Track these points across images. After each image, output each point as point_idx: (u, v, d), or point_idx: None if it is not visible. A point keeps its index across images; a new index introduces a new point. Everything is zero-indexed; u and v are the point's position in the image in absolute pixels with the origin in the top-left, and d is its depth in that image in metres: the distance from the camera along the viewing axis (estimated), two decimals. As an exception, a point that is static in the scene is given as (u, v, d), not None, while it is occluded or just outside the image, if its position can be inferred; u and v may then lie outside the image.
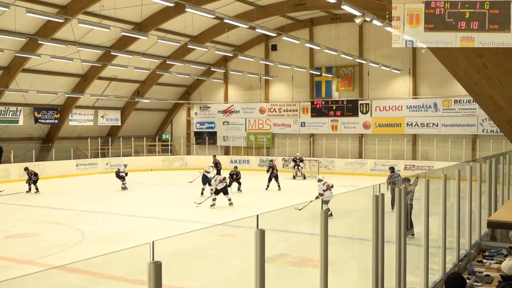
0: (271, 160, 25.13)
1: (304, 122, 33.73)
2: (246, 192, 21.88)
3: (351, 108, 31.97)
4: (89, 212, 17.63)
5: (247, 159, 33.60)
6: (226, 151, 36.03)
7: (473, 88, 7.03)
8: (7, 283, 3.17)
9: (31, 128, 29.90)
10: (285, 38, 24.45)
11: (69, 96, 30.03)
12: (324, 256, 4.57)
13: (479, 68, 5.86)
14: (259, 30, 23.35)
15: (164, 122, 39.15)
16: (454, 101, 28.90)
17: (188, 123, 38.66)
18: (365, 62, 28.73)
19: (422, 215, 7.01)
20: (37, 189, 22.17)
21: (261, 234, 3.74)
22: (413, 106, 30.25)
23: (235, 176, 21.93)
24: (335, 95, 33.00)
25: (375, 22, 18.83)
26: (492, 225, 6.84)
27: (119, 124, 35.02)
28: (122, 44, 27.08)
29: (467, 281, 6.90)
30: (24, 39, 23.18)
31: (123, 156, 33.39)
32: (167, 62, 30.20)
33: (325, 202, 15.08)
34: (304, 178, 27.88)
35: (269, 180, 23.18)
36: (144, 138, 36.10)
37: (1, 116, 27.76)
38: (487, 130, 27.81)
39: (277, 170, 23.58)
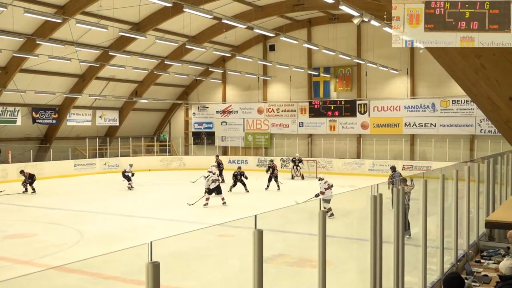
0: (271, 160, 25.16)
1: (302, 122, 33.74)
2: (242, 192, 21.85)
3: (349, 108, 31.99)
4: (87, 212, 17.61)
5: (245, 159, 33.59)
6: (224, 151, 36.01)
7: (471, 89, 7.03)
8: (5, 283, 3.16)
9: (29, 128, 29.85)
10: (283, 38, 24.48)
11: (67, 96, 29.99)
12: (322, 256, 4.57)
13: (477, 68, 5.87)
14: (257, 30, 23.39)
15: (162, 122, 39.13)
16: (452, 102, 28.94)
17: (186, 123, 38.65)
18: (363, 62, 28.75)
19: (420, 215, 7.02)
20: (33, 189, 22.14)
21: (259, 234, 3.74)
22: (411, 106, 30.29)
23: (239, 177, 21.90)
24: (333, 95, 33.01)
25: (373, 22, 18.83)
26: (490, 225, 6.85)
27: (117, 124, 34.99)
28: (120, 44, 27.05)
29: (466, 281, 6.91)
30: (22, 39, 23.15)
31: (121, 156, 33.37)
32: (165, 62, 30.19)
33: (327, 201, 15.16)
34: (303, 178, 27.90)
35: (269, 180, 23.28)
36: (142, 138, 36.06)
37: (-1, 116, 27.78)
38: (485, 130, 27.86)
39: (277, 171, 23.72)
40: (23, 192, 22.09)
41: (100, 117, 33.83)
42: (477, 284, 7.11)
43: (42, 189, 22.91)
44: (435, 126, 29.55)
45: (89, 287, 9.12)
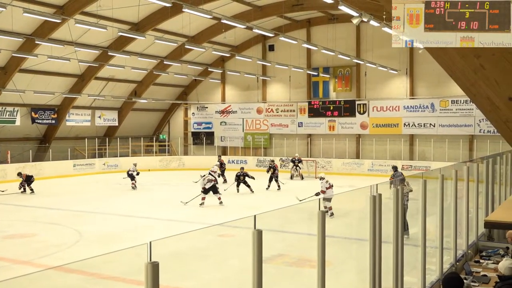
0: (272, 161, 25.20)
1: (302, 123, 33.74)
2: (244, 192, 21.86)
3: (348, 109, 32.00)
4: (86, 213, 17.61)
5: (244, 159, 33.57)
6: (224, 151, 36.00)
7: (470, 89, 7.03)
8: (4, 283, 3.16)
9: (28, 128, 29.84)
10: (282, 38, 24.50)
11: (66, 96, 29.98)
12: (321, 256, 4.57)
13: (476, 68, 5.86)
14: (256, 31, 23.40)
15: (162, 123, 39.13)
16: (451, 102, 28.95)
17: (186, 123, 38.64)
18: (362, 62, 28.76)
19: (419, 215, 7.02)
20: (31, 190, 22.12)
21: (259, 234, 3.74)
22: (410, 106, 30.30)
23: (242, 178, 21.89)
24: (333, 96, 33.02)
25: (372, 22, 18.85)
26: (489, 225, 6.85)
27: (116, 124, 34.99)
28: (119, 44, 27.04)
29: (465, 281, 6.91)
30: (21, 39, 23.14)
31: (120, 156, 33.38)
32: (164, 62, 30.19)
33: (328, 200, 15.28)
34: (302, 178, 27.90)
35: (270, 180, 23.36)
36: (142, 138, 36.05)
37: (-2, 117, 27.78)
38: (484, 130, 27.88)
39: (278, 171, 23.83)
40: (22, 192, 22.10)
41: (99, 117, 33.83)
42: (476, 284, 7.12)
43: (41, 189, 22.90)
44: (434, 126, 29.56)
45: (88, 287, 9.12)
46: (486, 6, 4.08)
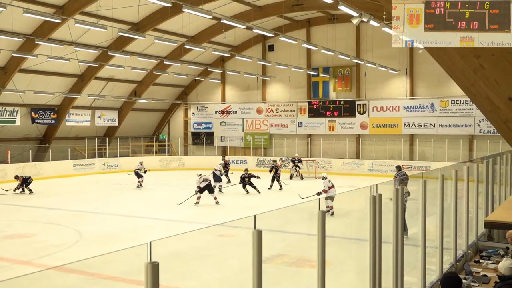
0: (275, 161, 25.26)
1: (302, 123, 33.74)
2: (243, 192, 21.84)
3: (348, 109, 32.00)
4: (86, 213, 17.61)
5: (244, 159, 33.57)
6: (224, 151, 36.00)
7: (470, 89, 7.03)
8: (4, 283, 3.16)
9: (28, 128, 29.84)
10: (282, 38, 24.50)
11: (66, 97, 29.98)
12: (321, 256, 4.57)
13: (476, 68, 5.86)
14: (256, 31, 23.40)
15: (161, 123, 39.12)
16: (451, 102, 28.96)
17: (186, 123, 38.64)
18: (362, 62, 28.76)
19: (419, 215, 7.02)
20: (30, 190, 22.09)
21: (259, 234, 3.74)
22: (410, 106, 30.30)
23: (246, 179, 21.87)
24: (332, 96, 33.02)
25: (372, 22, 18.85)
26: (489, 225, 6.85)
27: (116, 124, 34.98)
28: (119, 44, 27.04)
29: (464, 281, 6.92)
30: (21, 39, 23.14)
31: (120, 156, 33.38)
32: (164, 63, 30.19)
33: (331, 198, 15.41)
34: (302, 178, 27.91)
35: (272, 180, 23.48)
36: (141, 138, 36.05)
37: (-2, 117, 27.78)
38: (484, 130, 27.88)
39: (280, 171, 23.99)
40: (20, 192, 22.09)
41: (99, 117, 33.83)
42: (476, 284, 7.12)
43: (41, 189, 22.89)
44: (434, 126, 29.56)
45: (88, 287, 9.11)
46: (486, 6, 4.08)
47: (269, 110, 35.01)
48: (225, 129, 36.51)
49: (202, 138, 36.89)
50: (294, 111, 34.04)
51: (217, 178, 22.30)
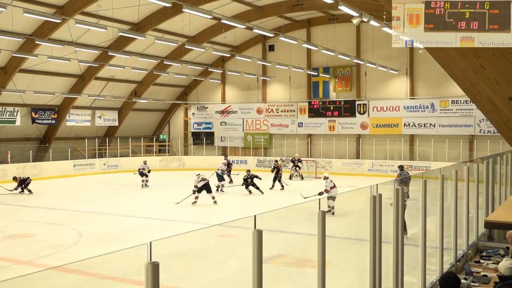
0: (276, 161, 25.31)
1: (302, 123, 33.74)
2: (243, 192, 21.85)
3: (348, 109, 32.00)
4: (86, 213, 17.60)
5: (244, 159, 33.58)
6: (224, 151, 36.00)
7: (470, 89, 7.04)
8: (4, 283, 3.16)
9: (28, 128, 29.84)
10: (282, 38, 24.49)
11: (66, 97, 29.99)
12: (321, 256, 4.57)
13: (476, 68, 5.87)
14: (256, 31, 23.40)
15: (162, 123, 39.13)
16: (451, 102, 28.95)
17: (186, 123, 38.64)
18: (363, 62, 28.76)
19: (419, 215, 7.02)
20: (29, 191, 22.08)
21: (259, 234, 3.74)
22: (411, 106, 30.30)
23: (249, 180, 21.85)
24: (333, 96, 33.02)
25: (373, 22, 18.85)
26: (489, 225, 6.85)
27: (117, 124, 34.99)
28: (119, 44, 27.04)
29: (465, 281, 6.92)
30: (21, 39, 23.15)
31: (120, 156, 33.38)
32: (165, 63, 30.20)
33: (332, 198, 15.48)
34: (302, 178, 27.90)
35: (274, 180, 23.55)
36: (142, 138, 36.05)
37: (-2, 117, 27.79)
38: (484, 130, 27.87)
39: (281, 171, 24.10)
40: (20, 192, 22.07)
41: (100, 117, 33.83)
42: (476, 284, 7.11)
43: (41, 189, 22.89)
44: (434, 126, 29.56)
45: (88, 287, 9.11)
46: (486, 6, 4.08)
47: (269, 110, 35.01)
48: (225, 129, 36.52)
49: (202, 138, 36.89)
50: (294, 111, 34.04)
51: (220, 178, 22.64)
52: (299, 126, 33.86)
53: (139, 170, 24.73)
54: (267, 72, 34.38)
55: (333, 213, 15.00)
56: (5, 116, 28.12)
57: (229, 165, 25.74)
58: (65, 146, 31.37)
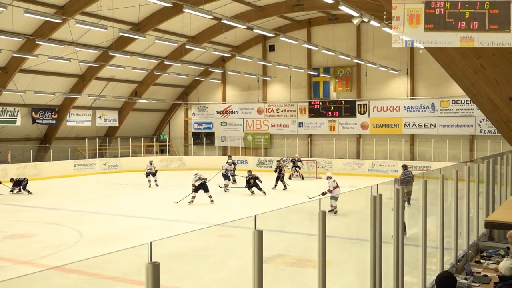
0: (278, 161, 25.32)
1: (302, 123, 33.74)
2: (244, 192, 21.85)
3: (349, 109, 32.00)
4: (86, 213, 17.61)
5: (245, 159, 33.59)
6: (224, 151, 36.00)
7: (470, 89, 7.04)
8: (4, 283, 3.16)
9: (28, 128, 29.85)
10: (282, 38, 24.49)
11: (67, 97, 30.00)
12: (322, 256, 4.57)
13: (477, 68, 5.87)
14: (256, 31, 23.41)
15: (162, 123, 39.13)
16: (452, 102, 28.94)
17: (186, 123, 38.65)
18: (363, 62, 28.76)
19: (419, 215, 7.01)
20: (28, 191, 22.03)
21: (259, 234, 3.74)
22: (411, 106, 30.29)
23: (252, 181, 21.82)
24: (333, 96, 33.02)
25: (373, 22, 18.85)
26: (489, 225, 6.84)
27: (117, 124, 35.00)
28: (120, 44, 27.05)
29: (465, 281, 6.91)
30: (21, 40, 23.15)
31: (120, 156, 33.39)
32: (165, 63, 30.20)
33: (334, 198, 15.55)
34: (302, 178, 27.90)
35: (277, 180, 23.61)
36: (142, 138, 36.06)
37: (-1, 117, 27.80)
38: (484, 130, 27.87)
39: (284, 171, 24.19)
40: (17, 192, 22.01)
41: (100, 117, 33.84)
42: (477, 285, 7.11)
43: (42, 189, 22.90)
44: (434, 126, 29.55)
45: (88, 287, 9.11)
46: (486, 6, 4.08)
47: (269, 110, 35.01)
48: (226, 129, 36.52)
49: (203, 138, 36.90)
50: (294, 111, 34.04)
51: (226, 177, 23.05)
52: (299, 126, 33.87)
53: (146, 171, 24.76)
54: (268, 72, 34.38)
55: (335, 213, 15.14)
56: (6, 116, 28.13)
57: (233, 164, 25.78)
58: (66, 146, 31.39)
